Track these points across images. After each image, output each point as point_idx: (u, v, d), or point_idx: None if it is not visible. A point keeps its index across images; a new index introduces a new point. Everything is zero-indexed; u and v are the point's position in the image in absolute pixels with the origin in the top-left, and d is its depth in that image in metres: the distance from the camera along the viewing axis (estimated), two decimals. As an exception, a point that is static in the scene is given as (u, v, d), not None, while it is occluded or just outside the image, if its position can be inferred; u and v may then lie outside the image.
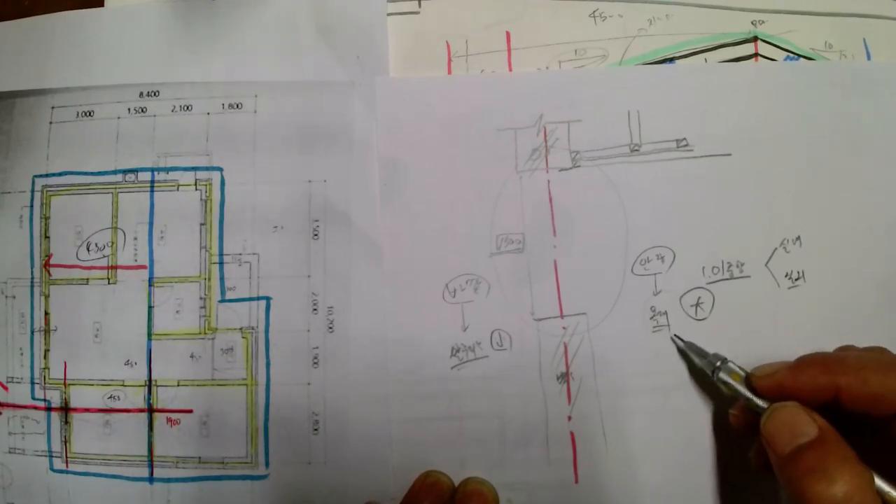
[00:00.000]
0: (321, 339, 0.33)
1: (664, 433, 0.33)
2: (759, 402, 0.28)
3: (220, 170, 0.35)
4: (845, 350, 0.31)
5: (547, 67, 0.36)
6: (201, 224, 0.35)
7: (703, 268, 0.34)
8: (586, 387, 0.33)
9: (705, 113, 0.35)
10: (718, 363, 0.30)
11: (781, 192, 0.34)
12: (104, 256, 0.35)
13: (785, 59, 0.36)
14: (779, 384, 0.28)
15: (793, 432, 0.26)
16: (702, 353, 0.32)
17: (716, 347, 0.33)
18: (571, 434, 0.33)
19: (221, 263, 0.34)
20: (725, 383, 0.30)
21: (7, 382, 0.35)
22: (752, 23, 0.36)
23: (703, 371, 0.31)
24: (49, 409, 0.34)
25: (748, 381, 0.29)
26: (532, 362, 0.33)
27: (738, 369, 0.30)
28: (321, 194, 0.34)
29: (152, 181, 0.35)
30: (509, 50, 0.36)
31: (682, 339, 0.33)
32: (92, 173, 0.35)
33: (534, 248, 0.34)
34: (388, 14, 0.36)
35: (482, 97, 0.35)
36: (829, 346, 0.33)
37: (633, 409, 0.33)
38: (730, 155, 0.34)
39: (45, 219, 0.35)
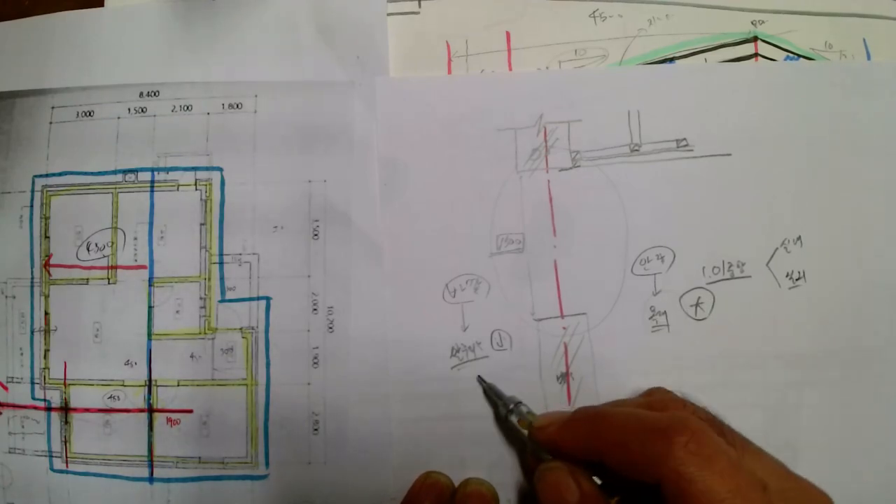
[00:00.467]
0: (321, 339, 0.33)
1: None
2: (542, 453, 0.28)
3: (220, 170, 0.35)
4: (646, 396, 0.30)
5: (547, 67, 0.36)
6: (201, 224, 0.35)
7: (703, 268, 0.34)
8: (586, 387, 0.33)
9: (705, 113, 0.35)
10: (511, 406, 0.30)
11: (781, 192, 0.34)
12: (104, 256, 0.35)
13: (785, 59, 0.36)
14: (551, 440, 0.27)
15: (558, 496, 0.26)
16: (498, 395, 0.32)
17: (716, 347, 0.33)
18: (571, 434, 0.33)
19: (221, 263, 0.34)
20: (515, 429, 0.30)
21: (7, 382, 0.35)
22: (752, 23, 0.36)
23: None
24: (49, 409, 0.34)
25: (529, 427, 0.29)
26: (532, 362, 0.33)
27: (527, 416, 0.30)
28: (321, 194, 0.34)
29: (152, 181, 0.35)
30: (509, 50, 0.36)
31: (484, 381, 0.33)
32: (92, 173, 0.35)
33: (534, 248, 0.34)
34: (388, 14, 0.36)
35: (482, 97, 0.35)
36: (829, 346, 0.33)
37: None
38: (730, 155, 0.34)
39: (45, 219, 0.35)
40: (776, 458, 0.25)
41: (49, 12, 0.37)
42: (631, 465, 0.24)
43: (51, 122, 0.36)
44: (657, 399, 0.29)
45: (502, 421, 0.32)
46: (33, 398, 0.34)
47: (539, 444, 0.28)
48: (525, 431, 0.30)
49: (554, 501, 0.26)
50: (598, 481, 0.27)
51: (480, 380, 0.33)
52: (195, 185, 0.35)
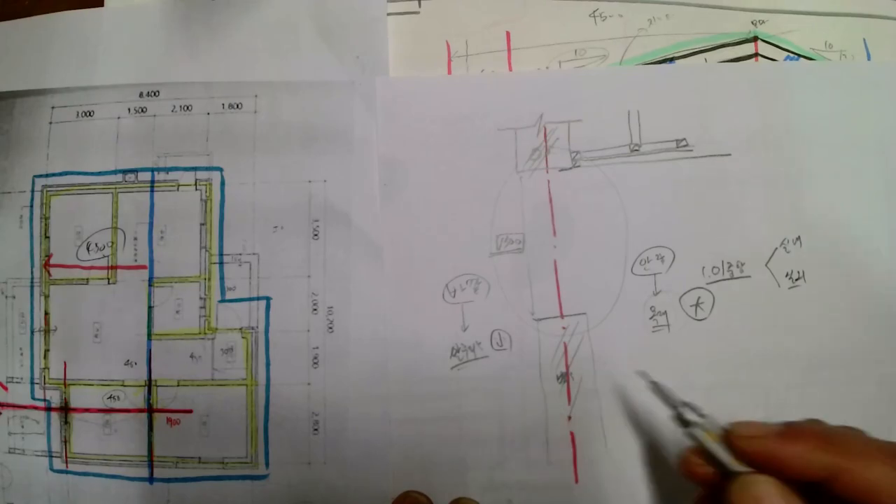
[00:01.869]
0: (321, 339, 0.33)
1: (664, 433, 0.32)
2: (734, 464, 0.25)
3: (220, 170, 0.35)
4: (813, 423, 0.27)
5: (547, 67, 0.36)
6: (201, 224, 0.35)
7: (703, 268, 0.34)
8: (586, 387, 0.33)
9: (705, 113, 0.35)
10: (691, 416, 0.27)
11: (781, 192, 0.34)
12: (104, 256, 0.35)
13: (785, 59, 0.36)
14: (765, 450, 0.25)
15: None
16: (671, 401, 0.28)
17: (716, 347, 0.33)
18: (571, 434, 0.33)
19: (221, 263, 0.34)
20: (697, 440, 0.26)
21: (7, 382, 0.35)
22: (752, 23, 0.36)
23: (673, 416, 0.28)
24: (49, 409, 0.34)
25: (726, 437, 0.26)
26: (532, 362, 0.33)
27: (717, 426, 0.27)
28: (321, 194, 0.34)
29: (152, 181, 0.35)
30: (509, 50, 0.36)
31: (648, 378, 0.31)
32: (92, 173, 0.35)
33: (534, 248, 0.34)
34: (388, 14, 0.36)
35: (482, 97, 0.35)
36: (829, 346, 0.33)
37: (633, 409, 0.33)
38: (730, 155, 0.34)
39: (45, 219, 0.35)
40: None
41: (49, 12, 0.37)
42: (869, 490, 0.23)
43: (51, 122, 0.36)
44: (837, 427, 0.26)
45: (678, 426, 0.28)
46: (33, 398, 0.34)
47: (742, 455, 0.25)
48: (713, 444, 0.26)
49: None
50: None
51: (644, 375, 0.30)
52: (195, 185, 0.35)
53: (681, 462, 0.27)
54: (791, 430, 0.25)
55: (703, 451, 0.26)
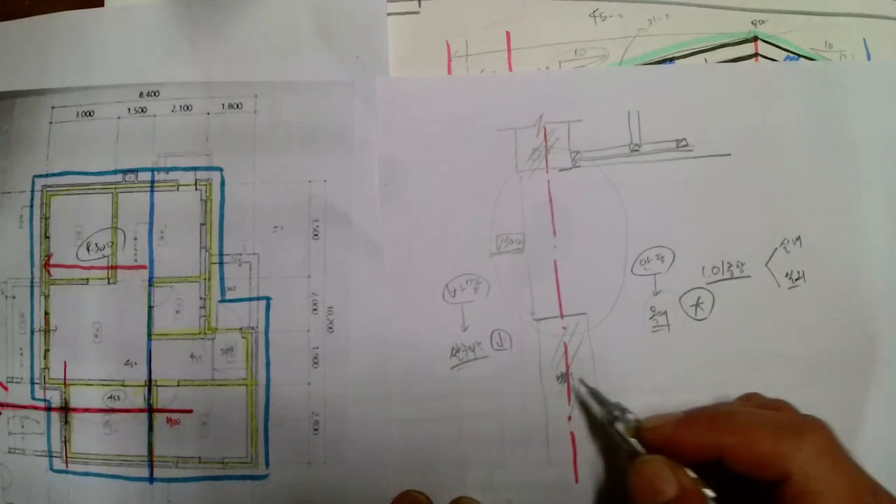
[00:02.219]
0: (321, 339, 0.33)
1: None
2: (641, 451, 0.28)
3: (220, 170, 0.35)
4: (748, 399, 0.30)
5: (547, 67, 0.36)
6: (201, 224, 0.35)
7: (703, 268, 0.34)
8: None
9: (705, 113, 0.35)
10: (616, 413, 0.30)
11: (781, 192, 0.34)
12: (104, 256, 0.35)
13: (785, 59, 0.36)
14: (664, 438, 0.27)
15: (654, 488, 0.26)
16: (602, 401, 0.31)
17: (716, 347, 0.33)
18: (571, 434, 0.33)
19: (221, 263, 0.34)
20: (620, 435, 0.29)
21: (7, 382, 0.35)
22: (752, 23, 0.36)
23: (602, 419, 0.31)
24: (49, 409, 0.34)
25: (637, 431, 0.29)
26: (532, 362, 0.33)
27: (632, 421, 0.29)
28: (321, 194, 0.34)
29: (152, 181, 0.35)
30: (509, 50, 0.36)
31: (586, 384, 0.32)
32: (92, 173, 0.35)
33: (534, 248, 0.34)
34: (388, 14, 0.36)
35: (482, 97, 0.35)
36: (829, 346, 0.33)
37: (633, 409, 0.33)
38: (730, 155, 0.34)
39: (45, 219, 0.35)
40: None
41: (49, 12, 0.37)
42: (755, 462, 0.25)
43: (51, 122, 0.36)
44: (766, 401, 0.30)
45: (599, 427, 0.31)
46: (33, 398, 0.34)
47: (648, 445, 0.28)
48: (631, 439, 0.29)
49: (650, 493, 0.26)
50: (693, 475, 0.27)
51: (582, 382, 0.32)
52: (195, 185, 0.35)
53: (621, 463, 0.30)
54: (687, 417, 0.28)
55: (628, 449, 0.29)
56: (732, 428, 0.26)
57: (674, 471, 0.26)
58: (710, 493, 0.26)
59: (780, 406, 0.29)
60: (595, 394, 0.32)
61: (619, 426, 0.29)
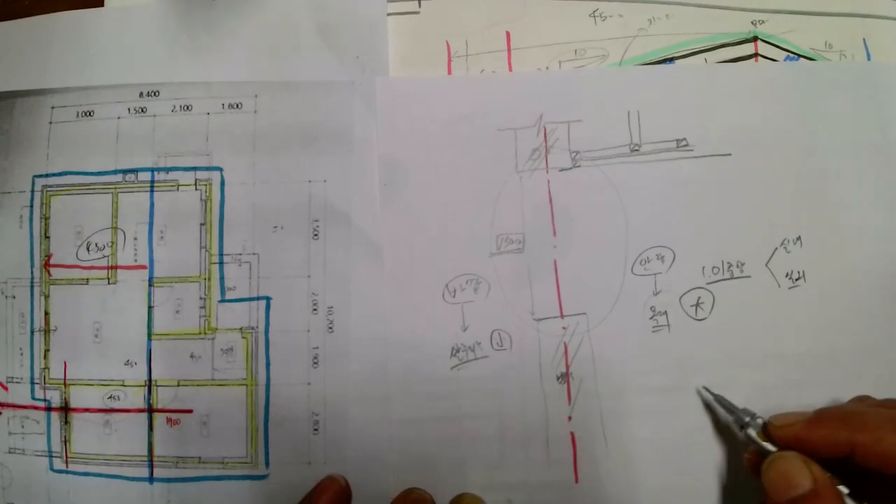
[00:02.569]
0: (321, 339, 0.33)
1: (664, 433, 0.33)
2: (772, 449, 0.29)
3: (220, 170, 0.35)
4: (863, 401, 0.31)
5: (547, 67, 0.36)
6: (201, 224, 0.35)
7: (703, 268, 0.34)
8: (586, 387, 0.33)
9: (705, 113, 0.35)
10: (748, 419, 0.30)
11: (781, 192, 0.34)
12: (104, 256, 0.35)
13: (785, 59, 0.36)
14: (795, 436, 0.28)
15: (788, 483, 0.26)
16: (730, 409, 0.31)
17: (716, 347, 0.33)
18: (571, 434, 0.33)
19: (221, 263, 0.34)
20: (750, 438, 0.29)
21: (7, 382, 0.35)
22: (752, 23, 0.36)
23: (732, 421, 0.31)
24: (49, 409, 0.34)
25: (765, 429, 0.29)
26: (532, 362, 0.33)
27: (760, 424, 0.30)
28: (321, 194, 0.34)
29: (152, 181, 0.35)
30: (509, 50, 0.36)
31: (711, 392, 0.32)
32: (92, 173, 0.35)
33: (534, 248, 0.34)
34: (388, 14, 0.36)
35: (482, 97, 0.35)
36: (829, 346, 0.33)
37: (633, 409, 0.33)
38: (730, 155, 0.34)
39: (45, 219, 0.35)
40: None
41: (49, 12, 0.37)
42: (884, 458, 0.26)
43: (51, 122, 0.36)
44: (883, 402, 0.30)
45: (724, 430, 0.32)
46: (33, 398, 0.34)
47: (778, 442, 0.28)
48: (762, 442, 0.29)
49: (785, 487, 0.26)
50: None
51: (707, 390, 0.32)
52: (195, 185, 0.35)
53: (745, 462, 0.30)
54: (817, 416, 0.28)
55: (756, 449, 0.29)
56: (864, 426, 0.27)
57: (808, 466, 0.27)
58: (843, 489, 0.26)
59: (877, 410, 0.29)
60: (721, 400, 0.32)
61: (750, 431, 0.30)
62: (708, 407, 0.33)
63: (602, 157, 0.34)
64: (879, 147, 0.35)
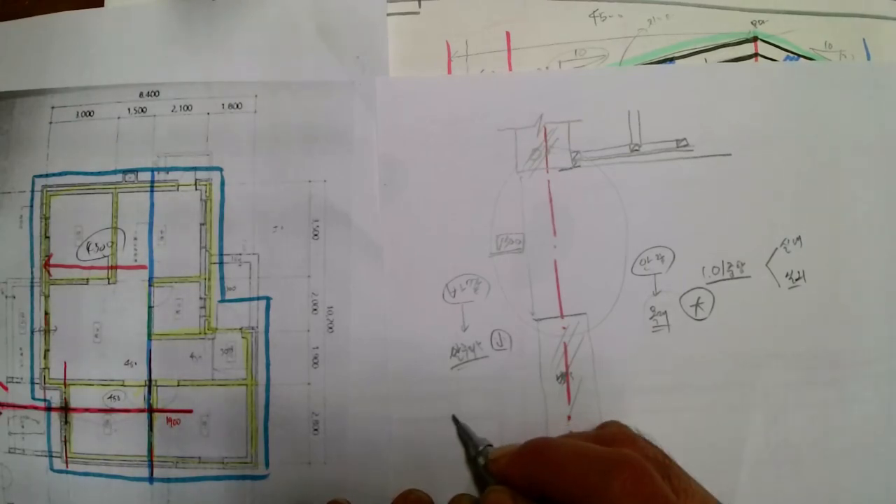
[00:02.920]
0: (321, 339, 0.33)
1: (664, 433, 0.32)
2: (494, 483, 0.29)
3: (220, 170, 0.35)
4: (600, 428, 0.30)
5: (547, 67, 0.36)
6: (201, 224, 0.35)
7: (703, 268, 0.34)
8: (586, 387, 0.33)
9: (705, 113, 0.35)
10: (481, 447, 0.30)
11: (781, 192, 0.34)
12: (104, 256, 0.35)
13: (785, 59, 0.36)
14: (500, 471, 0.28)
15: None
16: (469, 437, 0.31)
17: (716, 347, 0.33)
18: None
19: (221, 263, 0.34)
20: (481, 467, 0.30)
21: (7, 382, 0.35)
22: (752, 23, 0.36)
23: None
24: (49, 409, 0.34)
25: (486, 462, 0.29)
26: (532, 362, 0.33)
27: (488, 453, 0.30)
28: (321, 194, 0.34)
29: (152, 181, 0.35)
30: (509, 50, 0.36)
31: (458, 422, 0.32)
32: (92, 173, 0.35)
33: (534, 248, 0.34)
34: (388, 14, 0.36)
35: (482, 97, 0.35)
36: (829, 346, 0.33)
37: (633, 409, 0.33)
38: (730, 155, 0.34)
39: (45, 219, 0.35)
40: None
41: (49, 12, 0.37)
42: (570, 498, 0.24)
43: (51, 122, 0.36)
44: (608, 433, 0.29)
45: (471, 462, 0.32)
46: (33, 398, 0.34)
47: (493, 475, 0.29)
48: (486, 472, 0.29)
49: None
50: None
51: (455, 420, 0.32)
52: (195, 185, 0.35)
53: None
54: (518, 451, 0.27)
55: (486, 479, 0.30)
56: (552, 463, 0.26)
57: (515, 501, 0.26)
58: None
59: (621, 439, 0.28)
60: (463, 430, 0.32)
61: (481, 459, 0.30)
62: (460, 438, 0.32)
63: (602, 157, 0.34)
64: (879, 147, 0.35)
